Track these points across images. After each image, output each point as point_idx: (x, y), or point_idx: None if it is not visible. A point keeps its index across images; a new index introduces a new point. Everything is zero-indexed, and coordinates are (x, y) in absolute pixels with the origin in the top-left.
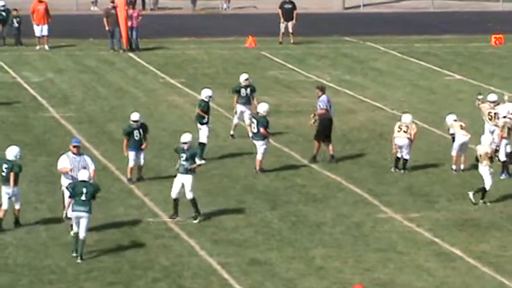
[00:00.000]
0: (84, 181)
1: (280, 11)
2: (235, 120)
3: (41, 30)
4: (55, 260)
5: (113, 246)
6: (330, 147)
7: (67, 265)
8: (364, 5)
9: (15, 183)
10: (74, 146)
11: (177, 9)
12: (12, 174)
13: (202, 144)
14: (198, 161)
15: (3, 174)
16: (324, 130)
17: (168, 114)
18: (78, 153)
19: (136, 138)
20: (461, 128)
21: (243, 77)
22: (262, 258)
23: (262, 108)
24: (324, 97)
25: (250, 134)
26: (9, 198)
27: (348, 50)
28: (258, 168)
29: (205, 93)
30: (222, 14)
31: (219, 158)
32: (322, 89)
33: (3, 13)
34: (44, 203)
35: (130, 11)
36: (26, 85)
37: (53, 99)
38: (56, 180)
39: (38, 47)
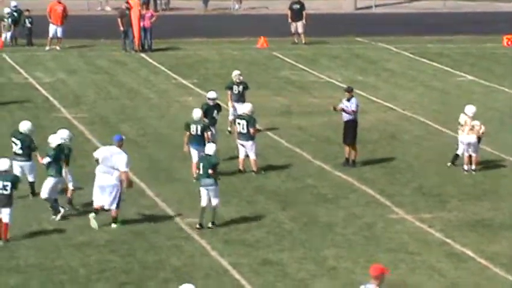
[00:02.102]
0: (206, 155)
1: (289, 12)
2: (231, 117)
3: (55, 31)
4: (66, 261)
5: (125, 247)
6: (353, 151)
7: (78, 265)
8: (376, 6)
9: (66, 164)
10: (118, 141)
11: (189, 9)
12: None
13: None
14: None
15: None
16: (353, 134)
17: (180, 114)
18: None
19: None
20: (470, 129)
21: (234, 73)
22: (274, 258)
23: (247, 108)
24: (355, 99)
25: (229, 128)
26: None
27: (360, 50)
28: (255, 169)
29: (207, 96)
30: (233, 15)
31: (229, 159)
32: (352, 90)
33: (15, 13)
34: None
35: (144, 12)
36: (38, 86)
37: (65, 100)
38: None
39: (47, 48)
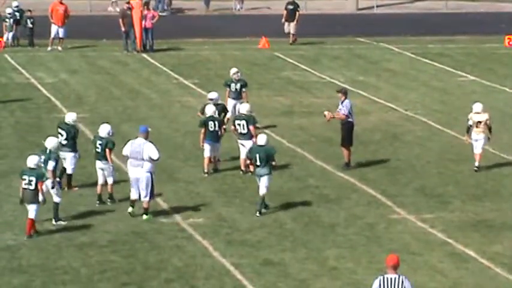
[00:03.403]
0: (260, 145)
1: (284, 12)
2: (229, 114)
3: (57, 31)
4: (68, 261)
5: (126, 247)
6: (347, 152)
7: (80, 266)
8: (377, 6)
9: (110, 159)
10: (145, 132)
11: (191, 10)
12: (107, 150)
13: None
14: None
15: (98, 150)
16: (348, 135)
17: (181, 115)
18: (148, 140)
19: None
20: (476, 126)
21: (232, 71)
22: (276, 259)
23: (245, 108)
24: (347, 102)
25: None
26: (103, 172)
27: (362, 50)
28: (252, 169)
29: (208, 96)
30: (235, 15)
31: (232, 159)
32: (345, 93)
33: (17, 14)
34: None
35: (145, 12)
36: (39, 86)
37: (66, 100)
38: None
39: (49, 48)
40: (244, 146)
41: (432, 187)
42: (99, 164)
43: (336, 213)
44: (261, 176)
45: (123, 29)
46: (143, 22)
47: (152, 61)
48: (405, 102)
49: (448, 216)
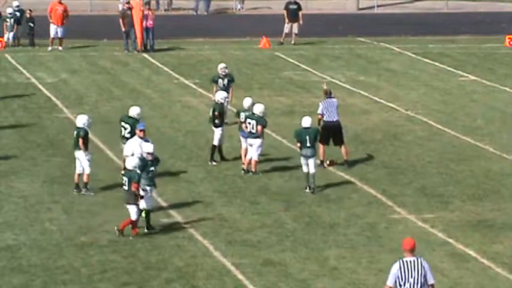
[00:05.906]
0: (306, 128)
1: (285, 12)
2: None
3: (56, 31)
4: (69, 261)
5: (127, 247)
6: (343, 150)
7: (81, 266)
8: (378, 6)
9: (84, 148)
10: (141, 130)
11: (191, 9)
12: (80, 140)
13: (213, 147)
14: None
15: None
16: (324, 133)
17: (182, 114)
18: (145, 138)
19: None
20: None
21: (220, 66)
22: (276, 259)
23: (258, 109)
24: (324, 101)
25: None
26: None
27: (362, 50)
28: (254, 170)
29: (221, 95)
30: (236, 15)
31: (233, 159)
32: (325, 92)
33: (18, 14)
34: (58, 203)
35: (146, 11)
36: (40, 86)
37: (67, 100)
38: (69, 181)
39: (49, 48)
40: (252, 146)
41: (433, 187)
42: (75, 154)
43: (336, 213)
44: (311, 156)
45: (123, 29)
46: (144, 22)
47: (153, 61)
48: (406, 102)
49: (449, 216)
